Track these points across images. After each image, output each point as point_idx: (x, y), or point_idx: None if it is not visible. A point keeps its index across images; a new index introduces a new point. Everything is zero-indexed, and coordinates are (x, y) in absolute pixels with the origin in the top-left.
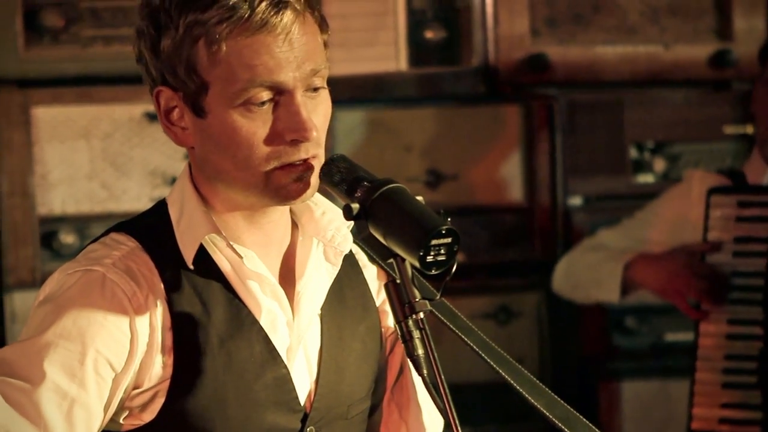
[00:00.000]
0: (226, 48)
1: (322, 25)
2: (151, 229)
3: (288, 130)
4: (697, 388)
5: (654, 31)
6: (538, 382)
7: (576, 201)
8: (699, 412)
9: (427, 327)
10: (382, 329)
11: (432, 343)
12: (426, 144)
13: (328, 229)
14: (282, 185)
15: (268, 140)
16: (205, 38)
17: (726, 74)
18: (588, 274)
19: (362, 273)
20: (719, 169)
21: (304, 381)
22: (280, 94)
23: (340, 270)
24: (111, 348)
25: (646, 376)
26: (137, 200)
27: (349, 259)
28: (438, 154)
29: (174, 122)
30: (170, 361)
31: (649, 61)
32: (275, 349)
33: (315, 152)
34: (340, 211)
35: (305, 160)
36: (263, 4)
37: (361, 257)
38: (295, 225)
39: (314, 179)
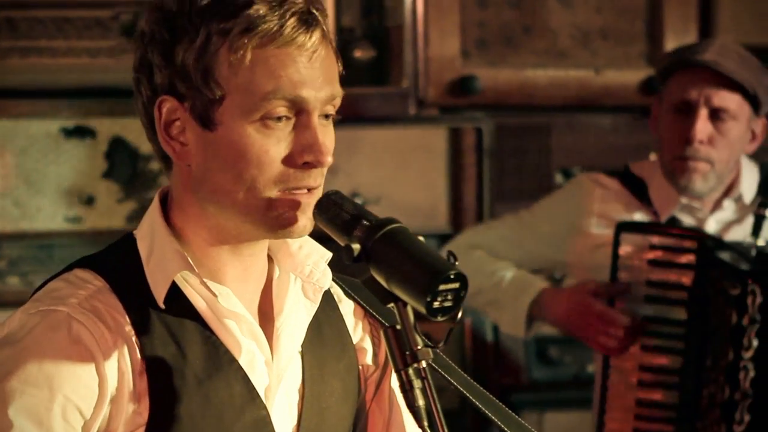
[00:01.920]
0: (251, 57)
1: (338, 56)
2: (119, 266)
3: (304, 151)
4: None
5: (585, 55)
6: None
7: None
8: None
9: (429, 376)
10: (360, 367)
11: (435, 394)
12: (350, 166)
13: (305, 264)
14: (282, 214)
15: (280, 161)
16: (229, 46)
17: None
18: (485, 293)
19: (338, 308)
20: (611, 171)
21: (285, 423)
22: (299, 114)
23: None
24: (79, 393)
25: (567, 406)
26: (51, 220)
27: (325, 294)
28: (362, 177)
29: (173, 136)
30: (145, 406)
31: (579, 86)
32: (254, 389)
33: (320, 182)
34: (318, 246)
35: (310, 190)
36: (293, 19)
37: (337, 291)
38: (270, 260)
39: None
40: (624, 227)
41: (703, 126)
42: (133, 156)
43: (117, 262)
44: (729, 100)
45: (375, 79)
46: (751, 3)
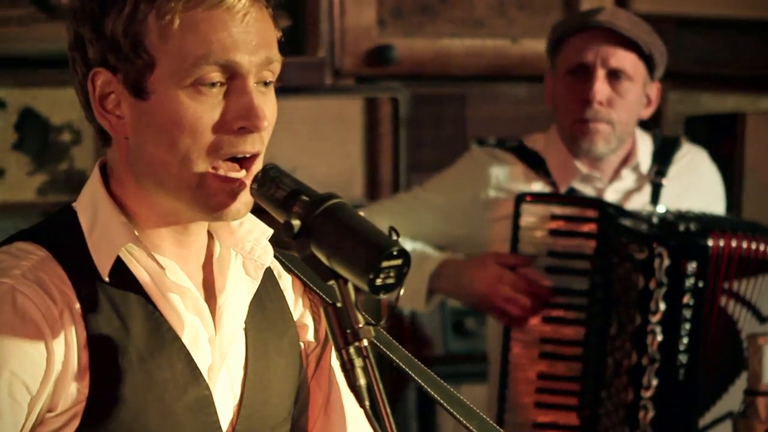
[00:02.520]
0: (179, 21)
1: (275, 20)
2: (61, 237)
3: (238, 116)
4: (508, 405)
5: (501, 24)
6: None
7: None
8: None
9: (371, 355)
10: (302, 344)
11: (377, 372)
12: None
13: (246, 240)
14: (214, 193)
15: (214, 127)
16: (156, 12)
17: None
18: None
19: (278, 284)
20: (504, 146)
21: (226, 402)
22: (233, 78)
23: None
24: (26, 369)
25: (483, 379)
26: None
27: (266, 270)
28: (276, 147)
29: (109, 110)
30: (86, 382)
31: (496, 55)
32: (197, 368)
33: (259, 149)
34: (259, 222)
35: (247, 159)
36: None
37: (276, 266)
38: (210, 236)
39: (248, 197)
40: (524, 198)
41: (601, 87)
42: (44, 127)
43: (58, 234)
44: (625, 59)
45: (291, 49)
46: None
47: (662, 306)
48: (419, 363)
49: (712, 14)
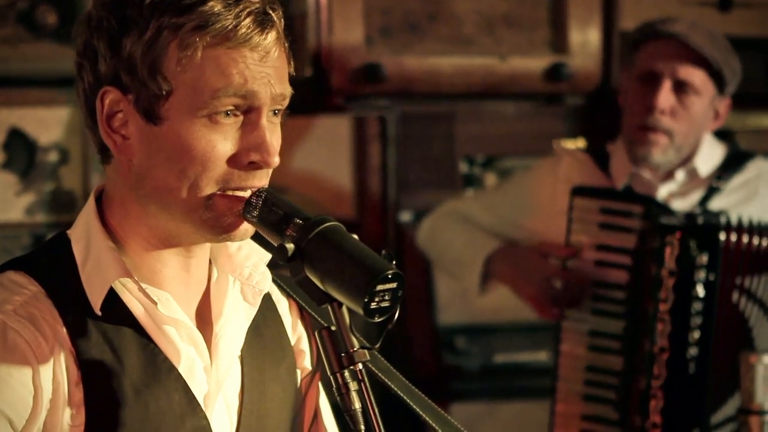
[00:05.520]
0: (201, 54)
1: (290, 58)
2: (54, 270)
3: (251, 150)
4: (559, 396)
5: (490, 42)
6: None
7: (406, 216)
8: (560, 420)
9: (366, 379)
10: (298, 371)
11: (372, 396)
12: None
13: (244, 266)
14: (222, 214)
15: (226, 159)
16: (179, 41)
17: (560, 88)
18: (451, 252)
19: (277, 309)
20: (587, 148)
21: (224, 431)
22: (248, 112)
23: None
24: (11, 404)
25: (474, 397)
26: None
27: (265, 295)
28: None
29: (115, 129)
30: (81, 417)
31: (484, 73)
32: (194, 398)
33: (266, 183)
34: (257, 247)
35: (254, 192)
36: (248, 20)
37: (274, 291)
38: (209, 262)
39: None
40: (578, 192)
41: (665, 96)
42: (31, 147)
43: (51, 266)
44: (694, 74)
45: None
46: None
47: (672, 296)
48: (417, 390)
49: None
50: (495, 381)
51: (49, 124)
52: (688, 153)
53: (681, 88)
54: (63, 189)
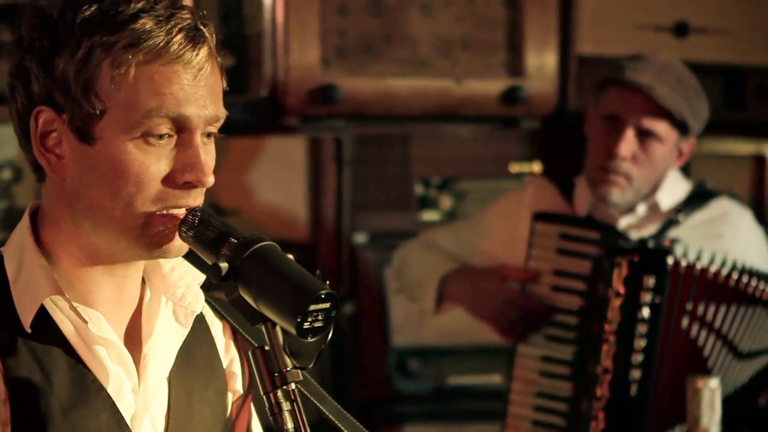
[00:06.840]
0: (134, 72)
1: (222, 73)
2: None
3: (185, 171)
4: (509, 422)
5: (446, 64)
6: None
7: (361, 238)
8: None
9: (299, 398)
10: (230, 393)
11: (304, 416)
12: None
13: (177, 286)
14: (160, 233)
15: (160, 179)
16: (112, 60)
17: (517, 111)
18: (412, 275)
19: (209, 330)
20: (553, 177)
21: None
22: (181, 132)
23: None
24: None
25: (427, 420)
26: None
27: (197, 315)
28: (219, 187)
29: (49, 148)
30: None
31: (440, 96)
32: (123, 419)
33: (200, 202)
34: (191, 268)
35: (190, 211)
36: (180, 36)
37: (208, 313)
38: (143, 281)
39: None
40: (539, 217)
41: (627, 145)
42: None
43: None
44: (657, 125)
45: (234, 88)
46: (609, 15)
47: (618, 317)
48: (349, 415)
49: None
50: (447, 404)
51: (2, 141)
52: (647, 192)
53: (644, 134)
54: (17, 207)
